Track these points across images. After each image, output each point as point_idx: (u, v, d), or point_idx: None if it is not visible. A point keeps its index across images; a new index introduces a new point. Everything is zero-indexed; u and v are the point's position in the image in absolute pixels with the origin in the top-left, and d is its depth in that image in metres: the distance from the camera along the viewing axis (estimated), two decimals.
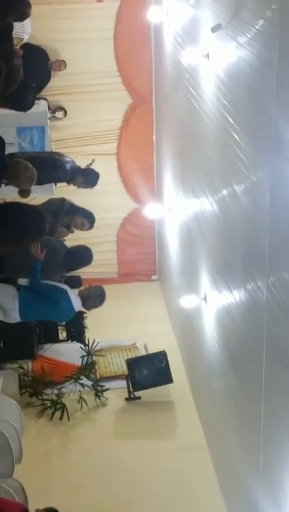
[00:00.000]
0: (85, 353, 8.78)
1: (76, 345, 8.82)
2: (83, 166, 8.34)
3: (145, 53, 10.05)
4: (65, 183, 8.43)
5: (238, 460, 6.29)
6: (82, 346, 8.79)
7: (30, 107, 7.38)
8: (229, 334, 6.28)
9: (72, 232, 8.19)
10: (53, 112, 9.96)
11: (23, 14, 7.17)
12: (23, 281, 7.22)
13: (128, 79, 10.19)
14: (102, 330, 8.98)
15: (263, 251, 4.82)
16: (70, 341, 8.84)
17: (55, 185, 9.02)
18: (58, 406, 8.13)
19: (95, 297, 7.52)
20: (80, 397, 8.27)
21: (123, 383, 8.52)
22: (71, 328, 8.70)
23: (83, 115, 10.21)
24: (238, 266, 5.69)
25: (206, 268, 7.04)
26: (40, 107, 9.21)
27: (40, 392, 8.35)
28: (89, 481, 7.17)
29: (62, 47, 9.83)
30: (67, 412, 8.09)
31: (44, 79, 9.54)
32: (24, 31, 9.11)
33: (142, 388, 8.32)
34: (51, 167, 7.90)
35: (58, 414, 8.09)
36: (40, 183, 6.99)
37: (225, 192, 5.97)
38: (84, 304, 7.47)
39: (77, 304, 7.37)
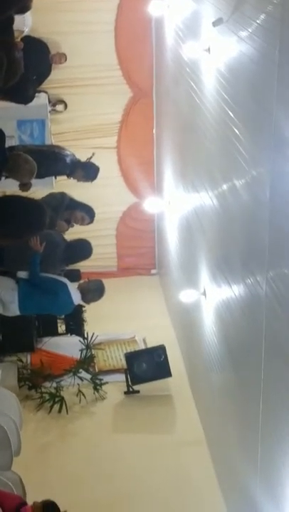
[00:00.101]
0: (84, 347, 8.79)
1: (75, 339, 8.83)
2: (83, 159, 8.34)
3: (146, 47, 10.03)
4: (65, 177, 8.42)
5: (237, 454, 6.30)
6: (81, 340, 8.80)
7: (30, 100, 7.39)
8: (228, 329, 6.28)
9: (72, 226, 8.20)
10: (54, 105, 9.94)
11: (24, 7, 7.15)
12: (22, 274, 7.23)
13: (129, 72, 10.17)
14: (102, 323, 8.99)
15: (262, 246, 4.82)
16: (69, 335, 8.85)
17: (55, 178, 9.02)
18: (57, 399, 8.14)
19: (94, 291, 7.54)
20: (79, 391, 8.28)
21: (122, 377, 8.53)
22: (70, 322, 8.71)
23: (84, 108, 10.20)
24: (237, 261, 5.69)
25: (206, 262, 7.04)
26: (40, 100, 9.21)
27: (39, 385, 8.35)
28: (87, 473, 7.18)
29: (63, 40, 9.80)
30: (65, 405, 8.10)
31: (44, 72, 9.52)
32: (25, 24, 9.08)
33: (140, 382, 8.33)
34: (51, 160, 7.90)
35: (56, 407, 8.10)
36: (40, 176, 7.00)
37: (225, 186, 5.96)
38: (83, 298, 7.49)
39: (76, 298, 7.38)
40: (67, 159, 8.07)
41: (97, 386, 8.41)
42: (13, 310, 7.19)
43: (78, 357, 8.73)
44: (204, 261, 7.11)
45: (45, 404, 8.15)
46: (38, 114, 9.19)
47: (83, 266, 8.61)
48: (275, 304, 4.68)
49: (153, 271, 11.26)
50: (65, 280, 7.38)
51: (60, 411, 8.08)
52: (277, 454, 4.92)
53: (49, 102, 9.70)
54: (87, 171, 8.16)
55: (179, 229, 8.76)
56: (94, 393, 8.37)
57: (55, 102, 10.00)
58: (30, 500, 5.44)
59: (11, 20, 6.92)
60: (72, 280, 7.63)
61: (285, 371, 4.61)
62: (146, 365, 8.35)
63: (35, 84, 8.67)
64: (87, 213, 8.13)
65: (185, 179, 8.09)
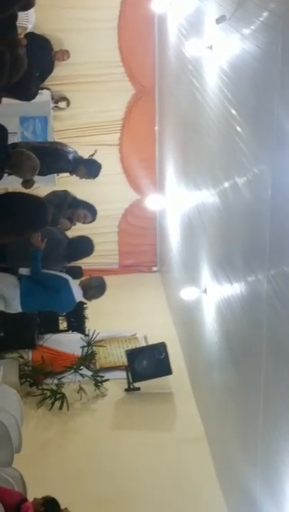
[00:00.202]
0: (85, 344, 8.80)
1: (76, 336, 8.85)
2: (86, 156, 8.33)
3: (149, 44, 10.02)
4: (67, 174, 8.43)
5: (237, 451, 6.31)
6: (83, 337, 8.81)
7: (33, 97, 7.39)
8: (229, 326, 6.28)
9: (75, 224, 8.20)
10: (56, 101, 9.94)
11: (27, 4, 7.14)
12: (24, 271, 7.23)
13: (131, 69, 10.16)
14: (103, 320, 9.00)
15: (263, 244, 4.82)
16: (70, 331, 8.87)
17: (58, 175, 9.02)
18: (58, 396, 8.16)
19: (95, 288, 7.53)
20: (80, 388, 8.30)
21: (123, 374, 8.54)
22: (72, 319, 8.73)
23: (86, 105, 10.19)
24: (238, 258, 5.69)
25: (207, 260, 7.05)
26: (43, 96, 9.22)
27: (40, 382, 8.37)
28: (87, 470, 7.20)
29: (66, 37, 9.79)
30: (66, 402, 8.11)
31: (47, 69, 9.50)
32: (28, 20, 9.08)
33: (141, 379, 8.33)
34: (54, 157, 7.90)
35: (57, 404, 8.11)
36: (42, 173, 7.00)
37: (227, 184, 5.96)
38: (85, 295, 7.49)
39: (78, 294, 7.38)
40: (70, 156, 8.07)
41: (98, 383, 8.42)
42: (15, 307, 7.19)
43: (79, 354, 8.75)
44: (205, 258, 7.11)
45: (46, 401, 8.16)
46: (40, 111, 9.19)
47: (85, 263, 8.60)
48: (275, 302, 4.69)
49: (154, 268, 11.25)
50: (67, 277, 7.38)
51: (61, 408, 8.09)
52: (278, 451, 4.92)
53: (52, 98, 9.70)
54: (90, 168, 8.16)
55: (180, 226, 8.76)
56: (95, 390, 8.38)
57: (58, 98, 9.99)
58: (30, 497, 5.46)
59: (15, 17, 6.92)
60: (73, 277, 7.62)
61: (286, 369, 4.62)
62: (147, 363, 8.36)
63: (38, 81, 8.66)
64: (90, 211, 8.15)
65: (187, 177, 8.09)
